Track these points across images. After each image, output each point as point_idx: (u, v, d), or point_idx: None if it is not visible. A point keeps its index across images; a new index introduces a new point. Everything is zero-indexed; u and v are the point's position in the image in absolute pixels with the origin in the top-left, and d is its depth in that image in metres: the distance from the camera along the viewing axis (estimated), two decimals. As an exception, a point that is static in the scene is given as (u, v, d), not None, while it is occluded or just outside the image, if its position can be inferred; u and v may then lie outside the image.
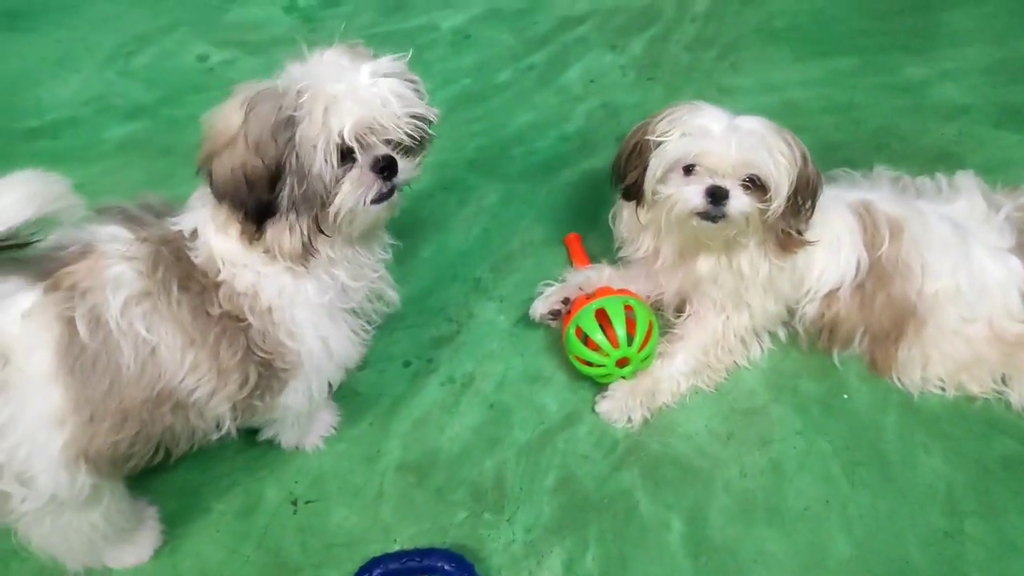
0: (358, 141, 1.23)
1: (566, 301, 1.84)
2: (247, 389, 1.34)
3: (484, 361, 1.83)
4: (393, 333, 1.88)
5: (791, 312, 1.80)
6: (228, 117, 1.27)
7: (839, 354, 1.80)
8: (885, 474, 1.64)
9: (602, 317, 1.71)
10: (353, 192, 1.27)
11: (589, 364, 1.73)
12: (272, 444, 1.69)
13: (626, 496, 1.62)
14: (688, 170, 1.57)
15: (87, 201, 2.05)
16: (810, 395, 1.76)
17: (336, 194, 1.26)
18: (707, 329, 1.76)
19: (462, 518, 1.60)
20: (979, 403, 1.73)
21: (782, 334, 1.83)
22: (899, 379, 1.77)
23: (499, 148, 2.29)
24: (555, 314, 1.85)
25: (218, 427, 1.39)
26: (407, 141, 1.29)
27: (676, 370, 1.76)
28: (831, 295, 1.75)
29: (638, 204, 1.67)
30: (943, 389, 1.75)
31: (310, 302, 1.37)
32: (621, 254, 1.82)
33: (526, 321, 1.89)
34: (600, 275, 1.87)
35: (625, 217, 1.74)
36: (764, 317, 1.78)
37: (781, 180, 1.55)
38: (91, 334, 1.19)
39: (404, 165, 1.32)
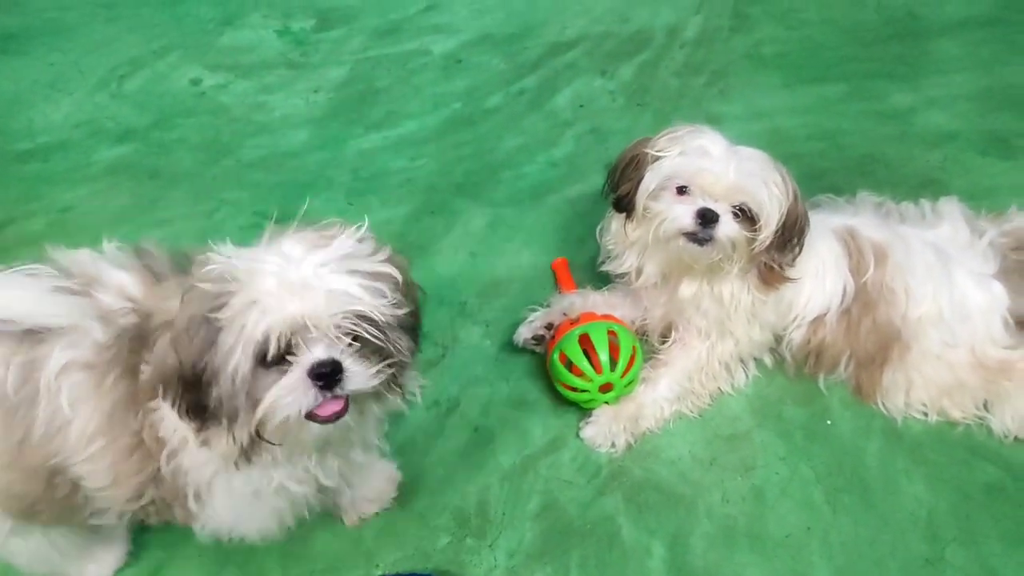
0: (293, 342, 1.04)
1: (550, 327, 1.85)
2: (138, 504, 1.22)
3: (469, 385, 1.84)
4: (379, 357, 1.89)
5: (778, 339, 1.81)
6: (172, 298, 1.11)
7: (825, 379, 1.80)
8: (867, 500, 1.63)
9: (586, 342, 1.72)
10: (282, 401, 1.06)
11: (573, 389, 1.74)
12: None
13: (608, 522, 1.62)
14: (681, 190, 1.59)
15: (75, 224, 2.11)
16: (794, 421, 1.76)
17: (261, 402, 1.06)
18: (691, 355, 1.77)
19: (445, 543, 1.59)
20: (961, 429, 1.73)
21: (768, 360, 1.83)
22: (883, 404, 1.77)
23: (487, 172, 2.30)
24: (539, 339, 1.86)
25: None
26: (373, 340, 1.08)
27: (660, 395, 1.76)
28: (817, 321, 1.75)
29: (628, 217, 1.68)
30: (925, 414, 1.76)
31: (233, 489, 1.22)
32: (605, 267, 1.82)
33: (512, 346, 1.90)
34: (585, 300, 1.88)
35: (613, 229, 1.75)
36: (749, 345, 1.79)
37: (772, 212, 1.56)
38: (21, 384, 1.12)
39: (357, 370, 1.08)
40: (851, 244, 1.73)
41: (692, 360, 1.77)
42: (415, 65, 2.65)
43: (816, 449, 1.71)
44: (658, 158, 1.59)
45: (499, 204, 2.21)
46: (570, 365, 1.72)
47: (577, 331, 1.72)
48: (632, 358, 1.73)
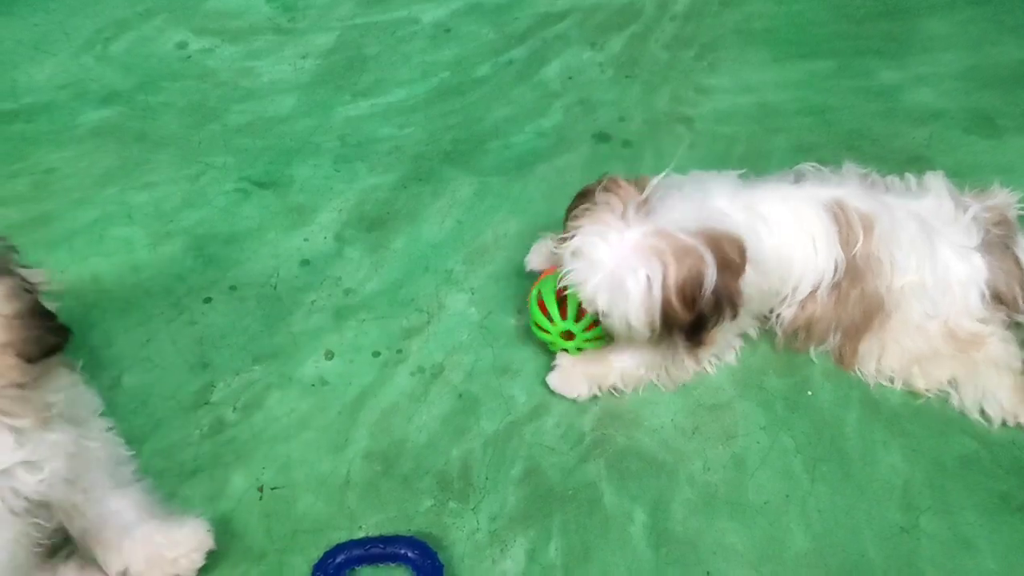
0: None
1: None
2: None
3: (454, 352, 1.84)
4: (363, 323, 1.89)
5: (764, 317, 1.82)
6: None
7: (814, 351, 1.82)
8: (844, 470, 1.66)
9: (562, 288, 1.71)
10: None
11: (540, 328, 1.75)
12: (239, 431, 1.71)
13: (591, 488, 1.63)
14: None
15: (59, 186, 2.10)
16: (775, 391, 1.78)
17: None
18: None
19: (427, 506, 1.61)
20: (938, 403, 1.75)
21: (753, 332, 1.84)
22: (859, 370, 1.80)
23: (475, 141, 2.29)
24: None
25: None
26: None
27: (628, 363, 1.76)
28: (809, 296, 1.76)
29: None
30: (892, 380, 1.78)
31: None
32: None
33: (497, 313, 1.91)
34: None
35: None
36: (732, 333, 1.81)
37: (629, 317, 1.57)
38: None
39: None
40: (840, 216, 1.73)
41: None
42: (404, 33, 2.63)
43: (796, 419, 1.73)
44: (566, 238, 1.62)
45: (487, 173, 2.20)
46: (542, 305, 1.73)
47: (558, 274, 1.70)
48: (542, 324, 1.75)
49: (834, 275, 1.73)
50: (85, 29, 2.61)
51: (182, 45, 2.58)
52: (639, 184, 1.62)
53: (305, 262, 2.01)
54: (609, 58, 2.54)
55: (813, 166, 1.87)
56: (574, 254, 1.59)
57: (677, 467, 1.67)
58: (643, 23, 2.66)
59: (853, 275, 1.73)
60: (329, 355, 1.84)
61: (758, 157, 2.19)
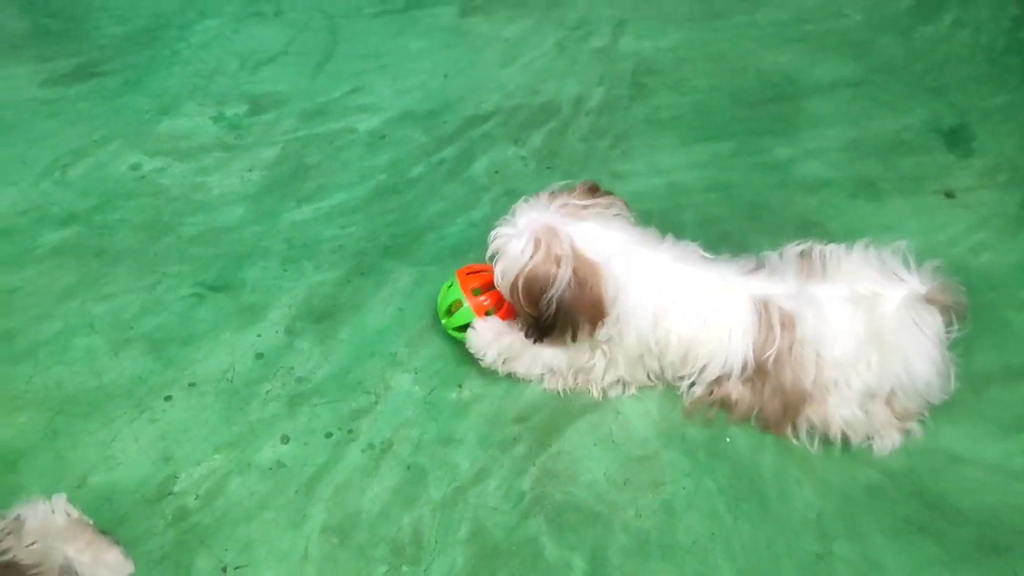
0: None
1: None
2: None
3: (401, 428, 1.98)
4: (315, 408, 2.03)
5: (679, 379, 1.98)
6: None
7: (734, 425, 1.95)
8: (763, 507, 1.81)
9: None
10: None
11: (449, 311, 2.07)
12: (202, 517, 1.81)
13: (532, 542, 1.76)
14: None
15: (21, 304, 2.23)
16: (697, 441, 1.94)
17: None
18: (573, 350, 1.95)
19: (382, 572, 1.72)
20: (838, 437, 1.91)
21: (657, 386, 2.02)
22: (794, 438, 1.92)
23: (412, 235, 2.48)
24: None
25: None
26: None
27: (538, 357, 1.98)
28: (719, 381, 1.92)
29: None
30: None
31: None
32: None
33: (440, 389, 2.06)
34: None
35: None
36: (629, 375, 1.98)
37: (499, 273, 1.87)
38: None
39: None
40: (763, 317, 1.84)
41: (583, 355, 1.95)
42: (342, 142, 2.85)
43: (717, 464, 1.89)
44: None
45: (424, 263, 2.38)
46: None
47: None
48: (452, 309, 2.04)
49: (742, 372, 1.88)
50: (43, 158, 2.78)
51: (136, 167, 2.76)
52: (601, 194, 1.90)
53: (259, 355, 2.15)
54: (531, 152, 2.78)
55: (763, 254, 1.99)
56: (513, 213, 1.86)
57: (612, 517, 1.81)
58: (561, 119, 2.91)
59: (768, 372, 1.86)
60: (285, 439, 1.97)
61: (671, 231, 2.37)
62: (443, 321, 2.09)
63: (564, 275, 1.77)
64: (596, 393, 2.02)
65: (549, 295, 1.78)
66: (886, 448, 1.87)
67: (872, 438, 1.88)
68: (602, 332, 1.86)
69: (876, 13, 3.41)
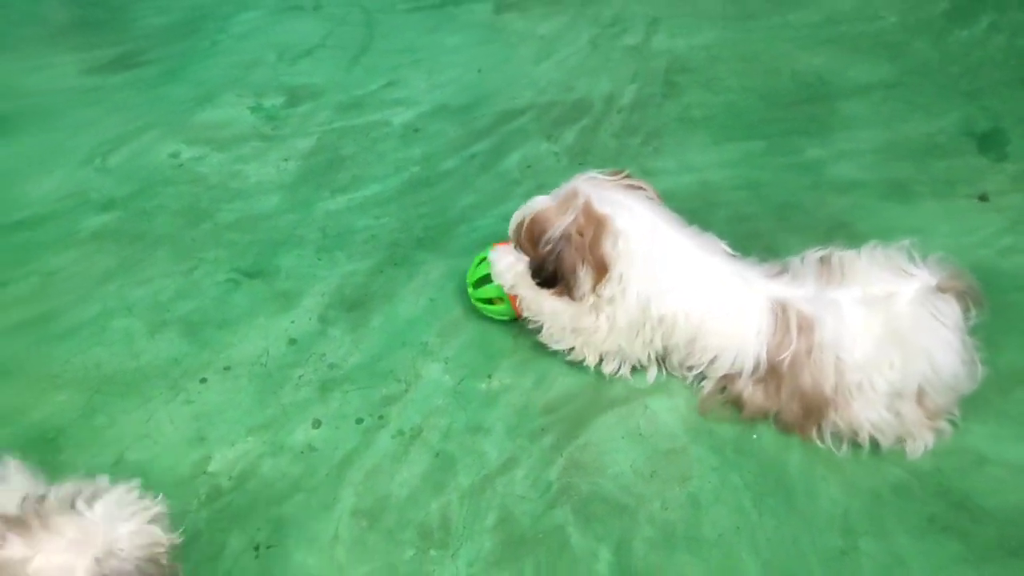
0: None
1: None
2: None
3: (431, 415, 2.01)
4: (347, 394, 2.06)
5: (688, 370, 2.00)
6: None
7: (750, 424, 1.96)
8: (789, 503, 1.81)
9: None
10: None
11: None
12: (235, 497, 1.85)
13: (559, 531, 1.78)
14: None
15: (63, 286, 2.28)
16: (724, 437, 1.95)
17: None
18: (585, 312, 1.97)
19: (410, 555, 1.75)
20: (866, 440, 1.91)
21: (651, 369, 2.04)
22: (819, 441, 1.91)
23: (444, 228, 2.51)
24: None
25: None
26: None
27: (547, 299, 1.99)
28: (729, 378, 1.93)
29: None
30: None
31: None
32: None
33: (470, 379, 2.08)
34: None
35: None
36: (629, 348, 1.99)
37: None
38: None
39: None
40: (779, 318, 1.85)
41: (584, 316, 1.97)
42: (377, 134, 2.89)
43: (744, 460, 1.90)
44: None
45: (456, 255, 2.41)
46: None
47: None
48: (481, 281, 2.12)
49: (753, 372, 1.89)
50: (84, 146, 2.85)
51: (175, 155, 2.82)
52: (631, 178, 1.96)
53: (292, 341, 2.19)
54: (564, 148, 2.80)
55: (780, 261, 1.99)
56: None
57: (638, 508, 1.83)
58: (593, 116, 2.94)
59: (783, 374, 1.87)
60: (316, 424, 2.00)
61: (701, 228, 2.41)
62: (470, 291, 2.15)
63: (565, 220, 1.84)
64: (591, 360, 2.03)
65: (547, 236, 1.85)
66: (919, 449, 1.87)
67: (904, 440, 1.88)
68: (605, 289, 1.88)
69: (911, 16, 3.39)
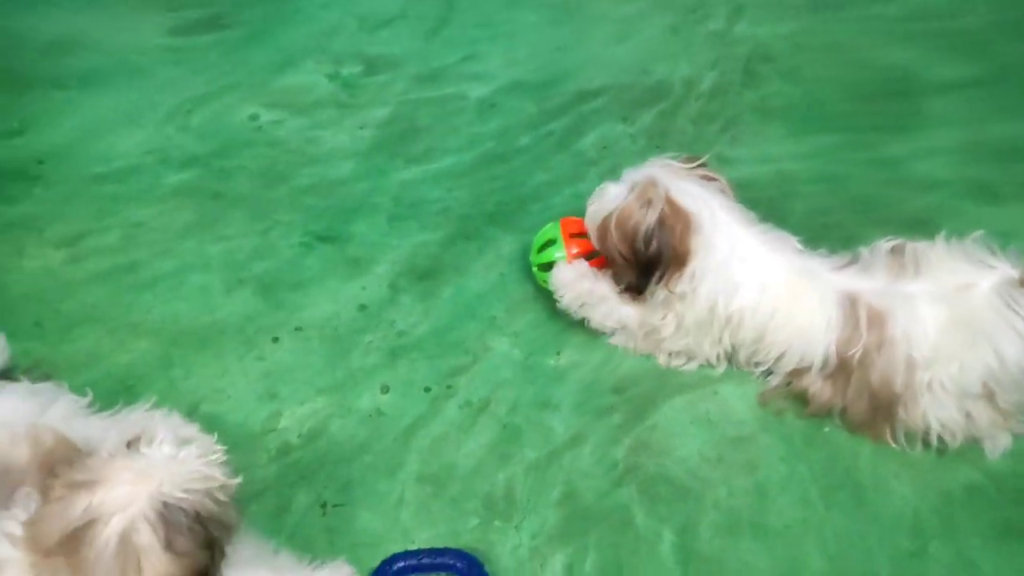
0: None
1: None
2: None
3: (498, 388, 2.02)
4: (415, 362, 2.08)
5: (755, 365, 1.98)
6: None
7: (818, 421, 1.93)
8: (858, 499, 1.79)
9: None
10: None
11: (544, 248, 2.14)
12: (304, 454, 1.88)
13: (623, 510, 1.78)
14: None
15: (144, 238, 2.34)
16: (794, 427, 1.92)
17: None
18: (652, 311, 1.97)
19: (474, 524, 1.76)
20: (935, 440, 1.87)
21: (719, 365, 2.02)
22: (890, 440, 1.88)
23: (517, 204, 2.52)
24: None
25: None
26: None
27: (614, 307, 2.00)
28: (798, 372, 1.91)
29: None
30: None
31: None
32: None
33: (538, 355, 2.09)
34: None
35: None
36: (697, 347, 1.98)
37: (597, 212, 1.96)
38: None
39: None
40: (849, 313, 1.82)
41: (653, 315, 1.97)
42: (453, 107, 2.90)
43: (813, 452, 1.88)
44: None
45: (528, 231, 2.39)
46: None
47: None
48: (545, 246, 2.11)
49: (822, 367, 1.86)
50: (169, 103, 2.91)
51: (254, 117, 2.86)
52: (707, 168, 1.95)
53: (363, 307, 2.22)
54: (640, 130, 2.79)
55: (848, 251, 1.96)
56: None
57: (703, 493, 1.82)
58: (671, 100, 2.91)
59: (852, 370, 1.84)
60: (385, 389, 2.03)
61: (777, 219, 2.36)
62: (532, 257, 2.15)
63: (654, 214, 1.83)
64: (662, 360, 2.03)
65: (642, 232, 1.84)
66: (997, 450, 1.83)
67: (978, 440, 1.84)
68: (678, 284, 1.87)
69: (1001, 15, 3.30)
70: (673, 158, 1.96)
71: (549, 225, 2.15)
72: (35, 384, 1.58)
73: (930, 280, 1.82)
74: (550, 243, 2.10)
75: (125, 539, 1.17)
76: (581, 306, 2.03)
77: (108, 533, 1.16)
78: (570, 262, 2.05)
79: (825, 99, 2.90)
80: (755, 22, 3.29)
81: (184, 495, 1.22)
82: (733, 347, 1.97)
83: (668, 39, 3.22)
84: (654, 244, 1.85)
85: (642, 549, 1.72)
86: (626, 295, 1.98)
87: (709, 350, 1.99)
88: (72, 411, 1.55)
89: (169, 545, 1.18)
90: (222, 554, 1.30)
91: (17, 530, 1.21)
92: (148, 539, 1.17)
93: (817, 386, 1.90)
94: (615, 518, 1.77)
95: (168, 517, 1.19)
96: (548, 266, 2.09)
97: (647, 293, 1.93)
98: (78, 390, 1.71)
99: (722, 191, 1.93)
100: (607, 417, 1.95)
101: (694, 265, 1.86)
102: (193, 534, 1.21)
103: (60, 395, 1.59)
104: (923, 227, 2.31)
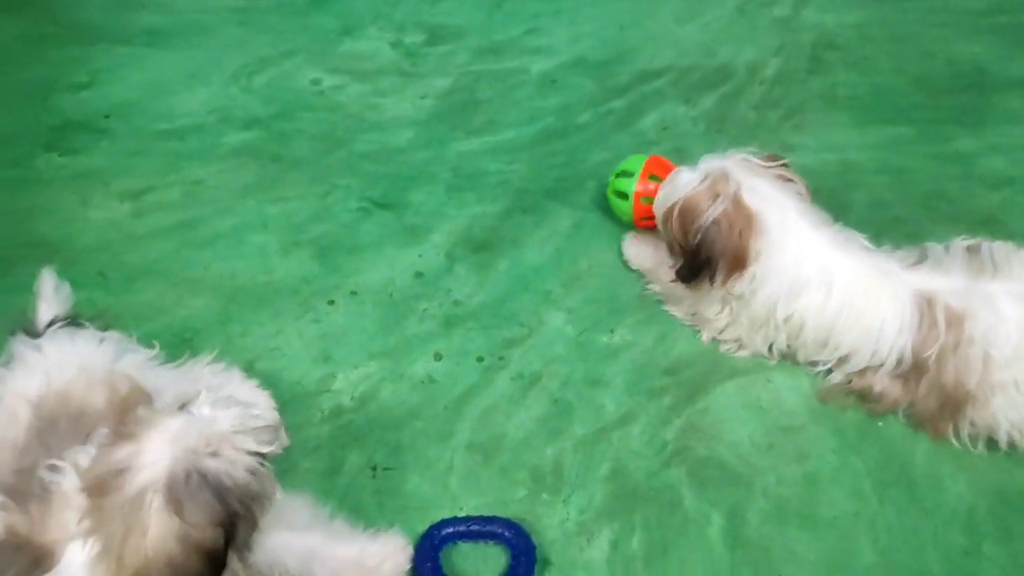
0: None
1: None
2: None
3: (551, 363, 2.02)
4: (469, 332, 2.09)
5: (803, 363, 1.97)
6: None
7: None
8: (912, 494, 1.77)
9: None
10: None
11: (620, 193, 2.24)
12: (356, 417, 1.90)
13: (672, 490, 1.78)
14: None
15: (205, 196, 2.37)
16: (847, 420, 1.90)
17: None
18: (710, 296, 1.97)
19: (522, 495, 1.77)
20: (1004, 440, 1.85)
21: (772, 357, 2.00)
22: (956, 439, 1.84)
23: (575, 180, 2.51)
24: None
25: None
26: None
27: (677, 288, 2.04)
28: (862, 371, 1.87)
29: None
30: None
31: None
32: None
33: (591, 332, 2.09)
34: None
35: None
36: (749, 339, 1.98)
37: (667, 197, 1.98)
38: None
39: None
40: (926, 314, 1.78)
41: (708, 306, 1.99)
42: (514, 81, 2.89)
43: (866, 446, 1.85)
44: None
45: (585, 208, 2.41)
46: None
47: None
48: (623, 174, 2.22)
49: (897, 367, 1.83)
50: (233, 64, 2.94)
51: (316, 82, 2.88)
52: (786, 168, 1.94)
53: (419, 275, 2.23)
54: (701, 113, 2.75)
55: (918, 247, 1.92)
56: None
57: (753, 479, 1.81)
58: (734, 85, 2.87)
59: (927, 369, 1.80)
60: (438, 357, 2.04)
61: (838, 209, 2.31)
62: (610, 179, 2.25)
63: (715, 210, 1.82)
64: (706, 337, 2.05)
65: (698, 225, 1.83)
66: None
67: None
68: (736, 286, 1.86)
69: (1079, 11, 3.20)
70: (754, 153, 1.93)
71: (637, 156, 2.24)
72: (103, 332, 1.60)
73: (1011, 280, 1.79)
74: (628, 174, 2.19)
75: (140, 496, 1.17)
76: (640, 267, 2.17)
77: (131, 486, 1.17)
78: (638, 201, 2.17)
79: (893, 90, 2.84)
80: (822, 9, 3.22)
81: (212, 462, 1.20)
82: (790, 347, 1.95)
83: (733, 22, 3.16)
84: (704, 242, 1.84)
85: (690, 531, 1.71)
86: (677, 283, 1.98)
87: (761, 345, 1.98)
88: (142, 361, 1.58)
89: (179, 511, 1.16)
90: (244, 543, 1.26)
91: (87, 464, 1.23)
92: (159, 502, 1.16)
93: (884, 384, 1.87)
94: (663, 498, 1.77)
95: (185, 482, 1.17)
96: (621, 195, 2.20)
97: (699, 287, 1.92)
98: (140, 341, 1.74)
99: (799, 194, 1.90)
100: (658, 398, 1.95)
101: (756, 268, 1.84)
102: (208, 507, 1.18)
103: (129, 344, 1.62)
104: (991, 225, 2.28)
